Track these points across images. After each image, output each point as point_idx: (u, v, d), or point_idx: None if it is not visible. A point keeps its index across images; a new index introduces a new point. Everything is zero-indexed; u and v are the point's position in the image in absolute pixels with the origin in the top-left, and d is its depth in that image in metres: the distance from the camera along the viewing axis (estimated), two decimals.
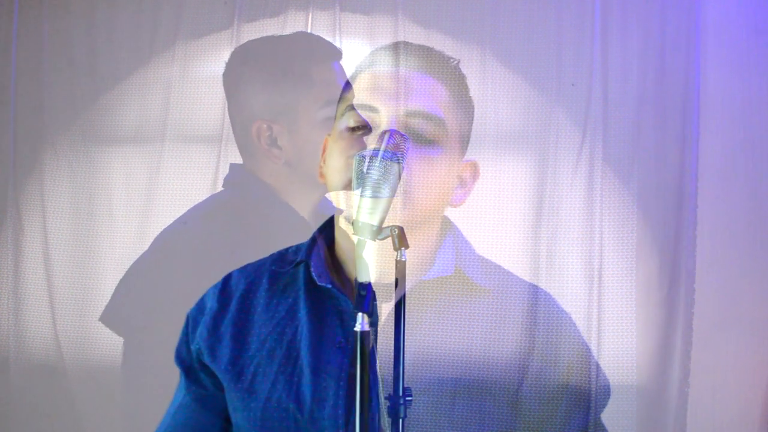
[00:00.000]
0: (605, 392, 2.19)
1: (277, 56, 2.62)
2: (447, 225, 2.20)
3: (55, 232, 2.66)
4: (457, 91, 2.18)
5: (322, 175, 2.16)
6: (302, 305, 2.12)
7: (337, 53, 2.54)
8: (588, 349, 2.20)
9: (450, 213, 2.21)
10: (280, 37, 2.58)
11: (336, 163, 2.08)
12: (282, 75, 2.63)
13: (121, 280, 2.62)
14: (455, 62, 2.20)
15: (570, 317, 2.20)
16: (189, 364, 2.19)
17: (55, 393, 2.64)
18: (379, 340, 2.08)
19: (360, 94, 2.12)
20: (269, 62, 2.63)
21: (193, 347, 2.17)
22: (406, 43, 2.23)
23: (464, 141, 2.19)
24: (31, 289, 2.66)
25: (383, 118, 2.08)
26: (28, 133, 2.68)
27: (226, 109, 2.63)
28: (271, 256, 2.23)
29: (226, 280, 2.21)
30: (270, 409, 2.06)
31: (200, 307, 2.20)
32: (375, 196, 1.84)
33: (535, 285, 2.25)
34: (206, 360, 2.14)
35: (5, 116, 2.68)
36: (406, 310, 2.00)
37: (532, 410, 2.11)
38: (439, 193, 2.12)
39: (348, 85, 2.18)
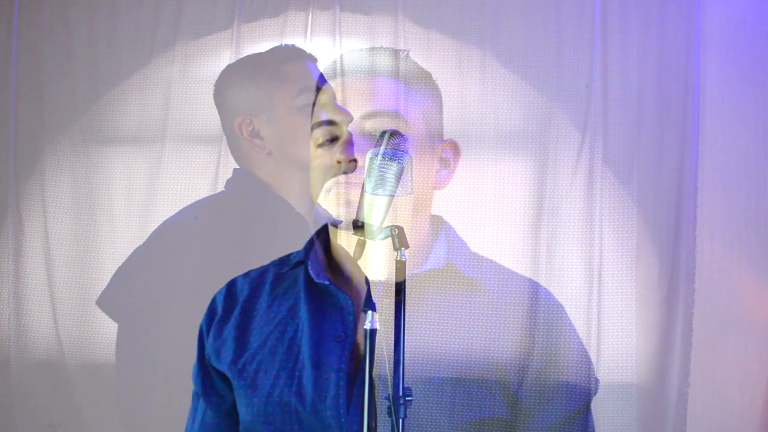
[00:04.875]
0: (594, 385, 2.19)
1: (255, 64, 2.66)
2: (440, 223, 2.22)
3: (55, 232, 2.66)
4: (412, 79, 2.19)
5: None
6: (303, 304, 2.16)
7: (311, 56, 2.59)
8: (581, 344, 2.20)
9: (449, 211, 2.22)
10: (260, 53, 2.63)
11: (312, 178, 2.14)
12: (258, 74, 2.68)
13: (120, 267, 2.64)
14: (405, 53, 2.22)
15: (564, 312, 2.20)
16: (205, 373, 2.21)
17: (56, 391, 2.65)
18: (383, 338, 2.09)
19: (320, 111, 2.16)
20: (248, 67, 2.67)
21: (206, 353, 2.21)
22: (353, 51, 2.24)
23: (433, 124, 2.20)
24: (32, 288, 2.66)
25: (342, 128, 2.12)
26: (28, 133, 2.69)
27: None
28: (274, 261, 2.26)
29: (231, 286, 2.25)
30: (272, 404, 2.09)
31: (208, 315, 2.24)
32: (374, 194, 1.88)
33: (530, 279, 2.25)
34: (214, 362, 2.18)
35: (6, 116, 2.68)
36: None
37: (523, 401, 2.11)
38: (417, 182, 2.12)
39: (312, 108, 2.22)
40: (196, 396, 2.23)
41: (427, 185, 2.16)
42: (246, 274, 2.25)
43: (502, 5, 2.38)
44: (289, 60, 2.64)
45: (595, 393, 2.18)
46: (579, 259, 2.31)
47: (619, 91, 2.35)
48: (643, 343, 2.30)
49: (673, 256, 2.33)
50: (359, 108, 2.12)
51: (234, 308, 2.21)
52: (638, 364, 2.29)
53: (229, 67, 2.65)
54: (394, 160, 1.91)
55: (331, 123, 2.13)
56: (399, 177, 1.92)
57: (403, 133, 2.01)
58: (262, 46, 2.64)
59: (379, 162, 1.89)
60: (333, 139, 2.12)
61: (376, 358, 2.03)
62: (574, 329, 2.19)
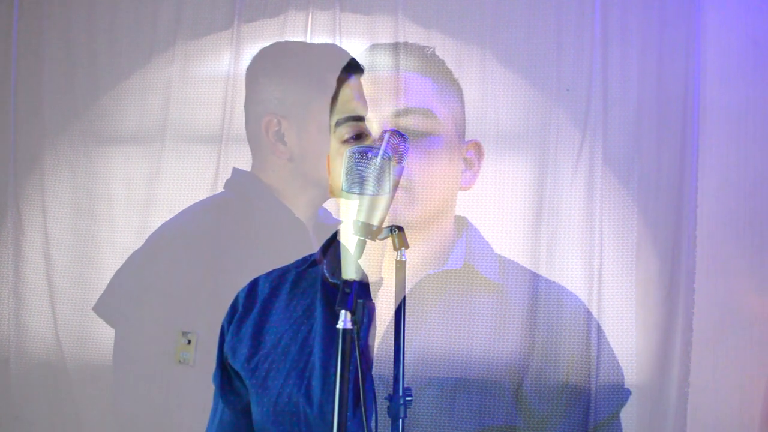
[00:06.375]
0: (622, 393, 2.19)
1: (300, 57, 2.63)
2: (463, 224, 2.21)
3: (55, 232, 2.66)
4: (440, 77, 2.20)
5: (332, 191, 2.18)
6: (318, 304, 2.15)
7: (358, 68, 2.54)
8: (611, 351, 2.20)
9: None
10: (310, 44, 2.59)
11: (336, 175, 2.09)
12: (299, 74, 2.64)
13: (117, 272, 2.63)
14: (431, 50, 2.22)
15: (593, 317, 2.19)
16: (223, 372, 2.21)
17: (55, 392, 2.65)
18: (383, 339, 2.09)
19: (346, 106, 2.15)
20: (291, 61, 2.64)
21: (224, 351, 2.21)
22: (377, 45, 2.25)
23: (459, 124, 2.20)
24: (31, 288, 2.66)
25: (373, 124, 2.11)
26: (28, 133, 2.69)
27: (227, 108, 2.63)
28: (297, 260, 2.26)
29: (253, 284, 2.25)
30: (281, 404, 2.08)
31: (230, 312, 2.24)
32: (374, 194, 1.86)
33: (557, 283, 2.24)
34: (230, 360, 2.18)
35: (5, 116, 2.68)
36: (412, 305, 2.02)
37: (536, 408, 2.11)
38: (446, 182, 2.13)
39: (333, 101, 2.20)
40: (217, 396, 2.23)
41: (453, 186, 2.16)
42: (268, 274, 2.25)
43: (502, 5, 2.38)
44: (335, 68, 2.58)
45: (624, 404, 2.17)
46: (579, 259, 2.31)
47: (619, 91, 2.35)
48: (643, 343, 2.30)
49: (673, 256, 2.33)
50: (391, 104, 2.12)
51: (254, 307, 2.20)
52: (638, 364, 2.28)
53: (277, 47, 2.60)
54: (393, 159, 1.91)
55: (358, 119, 2.12)
56: (398, 176, 1.92)
57: (403, 133, 2.01)
58: (262, 47, 2.62)
59: (379, 161, 1.88)
60: (358, 136, 2.11)
61: (375, 357, 2.04)
62: (605, 337, 2.18)
